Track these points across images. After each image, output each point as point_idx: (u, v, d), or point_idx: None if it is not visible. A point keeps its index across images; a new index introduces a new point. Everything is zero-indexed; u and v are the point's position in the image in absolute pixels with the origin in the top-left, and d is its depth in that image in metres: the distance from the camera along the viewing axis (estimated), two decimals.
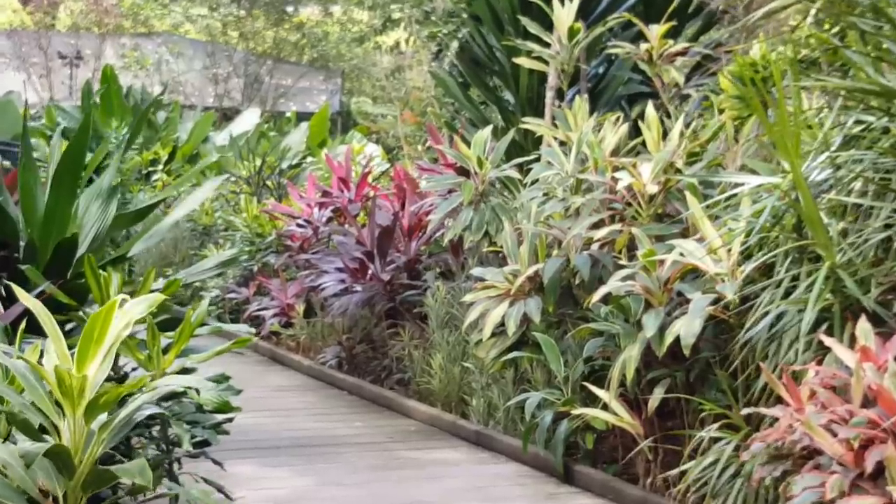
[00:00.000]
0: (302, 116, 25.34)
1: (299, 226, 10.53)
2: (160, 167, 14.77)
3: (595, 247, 6.90)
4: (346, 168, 10.35)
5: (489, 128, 8.57)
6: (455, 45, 14.80)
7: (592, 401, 6.49)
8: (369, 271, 8.89)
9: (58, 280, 4.82)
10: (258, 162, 12.80)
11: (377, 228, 8.88)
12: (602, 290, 6.29)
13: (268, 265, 11.08)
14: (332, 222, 10.33)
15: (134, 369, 4.81)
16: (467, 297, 7.35)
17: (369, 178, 10.67)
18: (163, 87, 18.08)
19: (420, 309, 8.63)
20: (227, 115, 22.57)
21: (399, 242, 9.28)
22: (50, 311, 4.52)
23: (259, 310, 10.47)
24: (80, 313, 4.74)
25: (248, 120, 18.99)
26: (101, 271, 4.76)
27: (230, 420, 4.78)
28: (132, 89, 17.21)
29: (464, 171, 8.40)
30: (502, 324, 7.12)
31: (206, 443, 4.58)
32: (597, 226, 6.88)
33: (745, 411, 5.01)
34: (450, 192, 8.54)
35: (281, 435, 7.45)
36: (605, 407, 6.35)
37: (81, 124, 4.93)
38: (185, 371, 4.65)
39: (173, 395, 4.54)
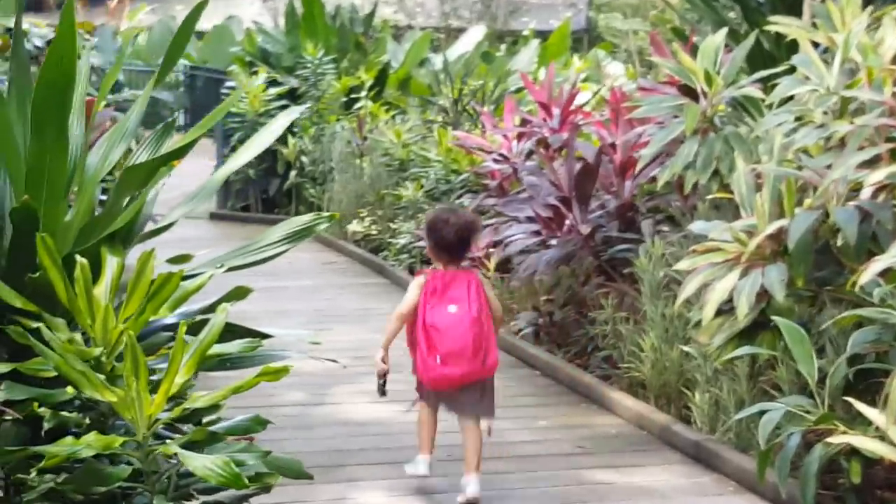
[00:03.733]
0: (543, 35, 23.38)
1: (496, 161, 8.75)
2: (363, 94, 13.23)
3: (866, 194, 4.85)
4: (547, 90, 8.45)
5: (722, 32, 6.49)
6: None
7: (860, 415, 4.48)
8: (566, 222, 7.02)
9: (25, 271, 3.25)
10: (459, 86, 11.03)
11: (575, 166, 6.99)
12: (877, 265, 4.24)
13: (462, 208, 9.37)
14: (534, 157, 8.49)
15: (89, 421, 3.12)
16: (681, 265, 5.39)
17: (578, 102, 8.72)
18: (374, 4, 16.48)
19: (633, 269, 6.71)
20: (455, 36, 20.92)
21: (610, 182, 7.35)
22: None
23: None
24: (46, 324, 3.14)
25: (471, 39, 17.25)
26: (81, 259, 3.14)
27: (266, 490, 3.08)
28: (340, 9, 15.71)
29: (689, 91, 6.39)
30: (731, 299, 5.15)
31: None
32: (870, 164, 4.81)
33: None
34: (675, 117, 6.57)
35: (439, 440, 5.74)
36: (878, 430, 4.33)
37: (59, 33, 3.33)
38: (187, 418, 2.99)
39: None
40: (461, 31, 21.14)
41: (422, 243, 9.61)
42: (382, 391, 4.97)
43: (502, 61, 17.07)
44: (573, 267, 7.52)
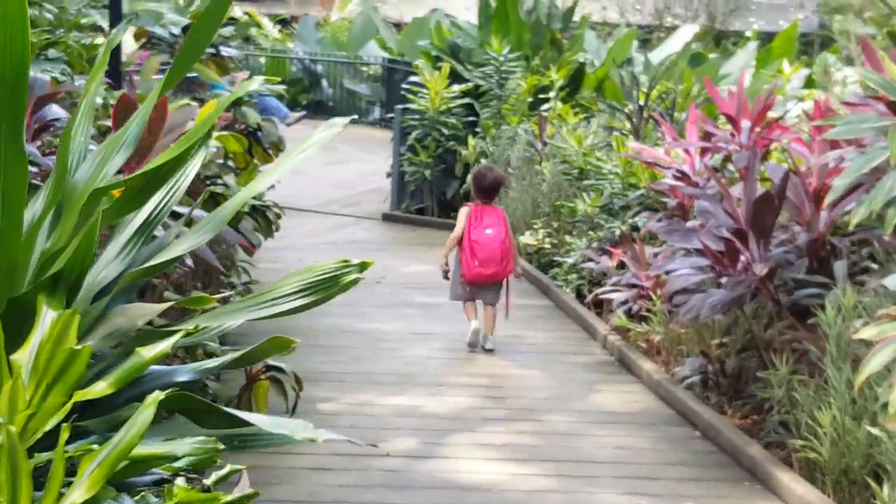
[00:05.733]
0: (768, 37, 21.88)
1: (675, 178, 7.67)
2: (552, 94, 12.26)
3: None
4: (737, 100, 7.30)
5: None
6: None
7: None
8: (741, 258, 5.90)
9: None
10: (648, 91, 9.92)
11: (756, 192, 5.86)
12: None
13: (638, 229, 8.33)
14: (720, 174, 7.36)
15: None
16: (865, 332, 4.24)
17: (773, 114, 7.54)
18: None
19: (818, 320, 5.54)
20: (668, 35, 19.66)
21: (803, 212, 6.19)
22: None
23: (609, 291, 7.77)
24: None
25: (680, 39, 16.01)
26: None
27: None
28: (538, 3, 14.73)
29: None
30: None
31: None
32: None
33: None
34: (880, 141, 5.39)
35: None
36: None
37: (5, 12, 2.57)
38: None
39: None
40: (675, 29, 19.88)
41: (591, 264, 8.63)
42: (446, 276, 7.81)
43: (713, 64, 15.79)
44: (755, 306, 6.40)
